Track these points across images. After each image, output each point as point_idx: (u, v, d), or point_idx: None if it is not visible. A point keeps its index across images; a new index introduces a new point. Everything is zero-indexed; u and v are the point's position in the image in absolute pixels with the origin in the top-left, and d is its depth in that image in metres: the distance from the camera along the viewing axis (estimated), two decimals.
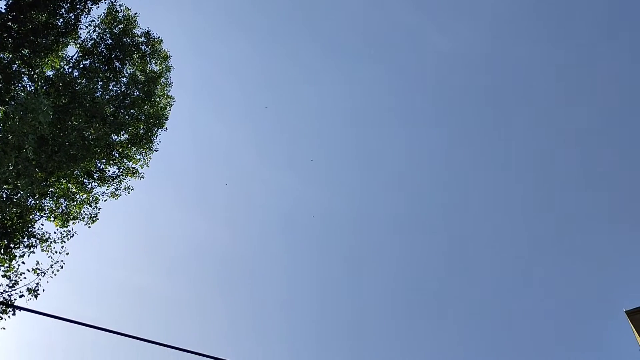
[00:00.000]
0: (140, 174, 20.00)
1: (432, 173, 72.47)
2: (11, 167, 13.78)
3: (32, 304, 15.68)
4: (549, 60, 65.16)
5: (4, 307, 14.63)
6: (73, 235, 17.79)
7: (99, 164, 19.03)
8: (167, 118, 20.21)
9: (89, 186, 18.82)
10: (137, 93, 19.27)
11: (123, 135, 19.37)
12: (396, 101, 73.17)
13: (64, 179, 17.55)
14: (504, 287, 68.71)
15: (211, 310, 75.61)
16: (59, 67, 17.70)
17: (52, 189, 17.39)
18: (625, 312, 29.75)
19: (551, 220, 69.19)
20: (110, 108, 18.50)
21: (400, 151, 75.07)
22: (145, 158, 20.02)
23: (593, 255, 64.76)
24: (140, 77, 19.44)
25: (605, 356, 58.44)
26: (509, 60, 67.30)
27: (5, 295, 15.52)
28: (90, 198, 18.83)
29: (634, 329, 29.01)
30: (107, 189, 19.39)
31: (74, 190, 18.23)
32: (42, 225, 17.27)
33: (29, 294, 15.77)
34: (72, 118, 16.83)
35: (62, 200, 17.73)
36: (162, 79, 20.22)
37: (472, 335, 66.68)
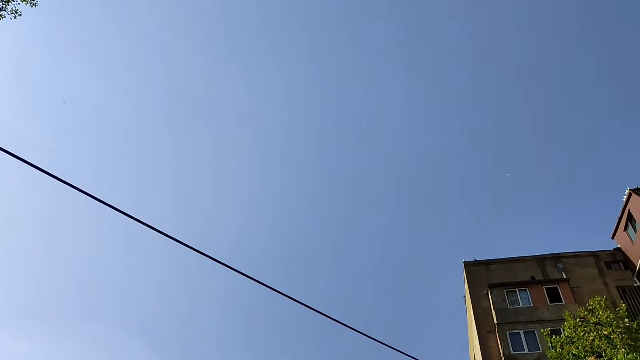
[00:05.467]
0: (34, 1, 17.73)
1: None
2: None
3: None
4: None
5: None
6: None
7: None
8: None
9: None
10: None
11: None
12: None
13: None
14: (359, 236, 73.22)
15: (92, 174, 71.93)
16: None
17: None
18: (463, 262, 33.50)
19: (408, 182, 74.08)
20: None
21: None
22: None
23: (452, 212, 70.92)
24: None
25: (437, 298, 65.86)
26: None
27: None
28: None
29: (465, 278, 32.85)
30: None
31: None
32: None
33: None
34: None
35: None
36: None
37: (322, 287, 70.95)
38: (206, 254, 5.57)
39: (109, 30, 72.64)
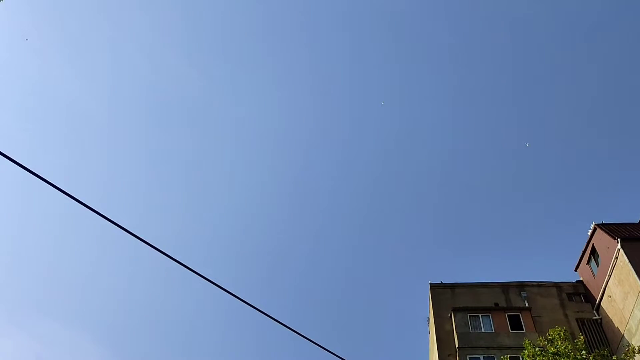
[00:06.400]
0: None
1: None
2: None
3: None
4: None
5: None
6: None
7: None
8: None
9: None
10: None
11: None
12: None
13: None
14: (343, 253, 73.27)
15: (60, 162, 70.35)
16: None
17: None
18: (430, 284, 33.69)
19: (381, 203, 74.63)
20: None
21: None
22: None
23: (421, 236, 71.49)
24: None
25: (401, 320, 66.01)
26: None
27: None
28: None
29: (430, 299, 33.01)
30: None
31: None
32: None
33: None
34: None
35: None
36: None
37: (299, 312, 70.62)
38: (183, 262, 5.45)
39: (96, 27, 71.66)
